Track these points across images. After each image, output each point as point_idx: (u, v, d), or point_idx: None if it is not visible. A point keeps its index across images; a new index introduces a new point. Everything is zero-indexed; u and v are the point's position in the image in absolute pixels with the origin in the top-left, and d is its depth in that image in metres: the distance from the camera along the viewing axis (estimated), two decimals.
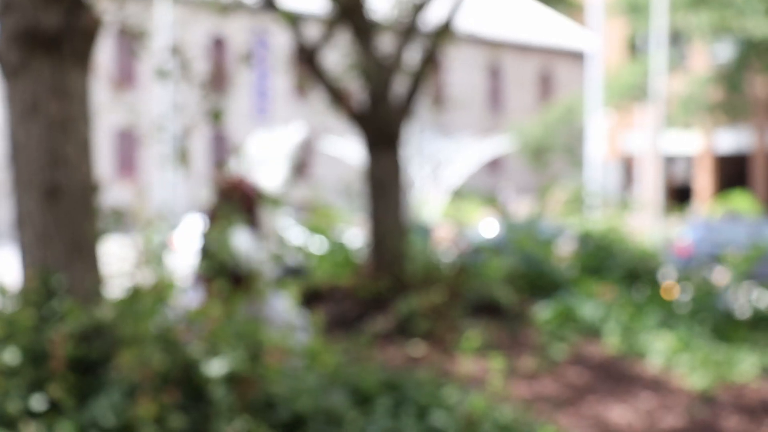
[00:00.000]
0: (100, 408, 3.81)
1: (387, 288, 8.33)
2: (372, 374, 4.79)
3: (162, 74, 4.05)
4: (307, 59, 8.46)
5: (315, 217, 9.95)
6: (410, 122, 8.77)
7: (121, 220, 4.29)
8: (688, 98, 32.99)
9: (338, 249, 9.51)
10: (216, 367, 3.95)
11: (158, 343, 3.93)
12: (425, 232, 11.85)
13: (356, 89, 8.74)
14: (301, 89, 9.31)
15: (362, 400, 4.60)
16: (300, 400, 4.23)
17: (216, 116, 4.19)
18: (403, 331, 7.92)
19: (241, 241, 6.09)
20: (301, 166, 6.46)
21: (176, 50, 4.27)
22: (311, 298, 8.50)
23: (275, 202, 5.90)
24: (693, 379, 7.08)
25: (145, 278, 4.45)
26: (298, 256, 9.84)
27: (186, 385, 4.00)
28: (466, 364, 6.94)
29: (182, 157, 4.04)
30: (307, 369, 4.74)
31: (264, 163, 6.04)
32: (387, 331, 7.89)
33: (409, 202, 20.83)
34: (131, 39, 4.98)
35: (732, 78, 32.63)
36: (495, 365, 6.54)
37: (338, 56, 9.20)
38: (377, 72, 8.48)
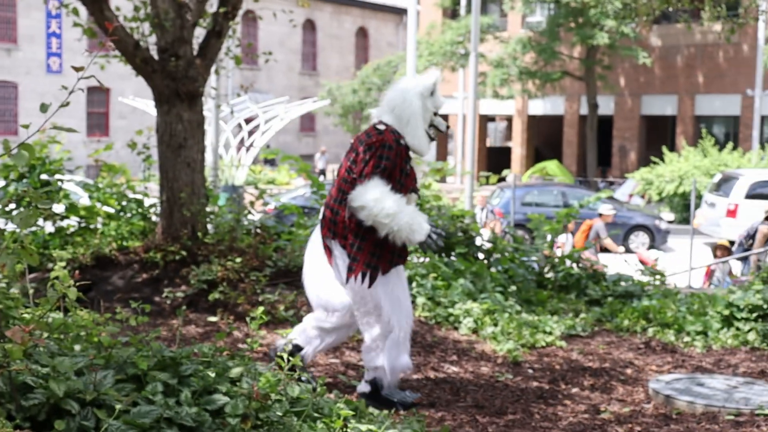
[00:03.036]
0: None
1: (183, 254, 7.76)
2: (150, 352, 4.24)
3: None
4: (92, 3, 7.70)
5: (105, 174, 9.20)
6: (208, 77, 8.13)
7: None
8: (502, 62, 33.49)
9: (130, 208, 8.83)
10: None
11: None
12: (234, 195, 11.25)
13: (148, 38, 8.04)
14: (88, 36, 8.37)
15: (136, 381, 4.05)
16: (56, 385, 3.64)
17: None
18: (198, 301, 7.39)
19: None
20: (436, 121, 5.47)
21: None
22: (99, 264, 7.83)
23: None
24: (500, 345, 6.92)
25: None
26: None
27: None
28: (262, 337, 6.50)
29: None
30: (69, 348, 4.15)
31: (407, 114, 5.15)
32: (179, 301, 7.33)
33: (215, 163, 20.08)
34: None
35: (544, 43, 33.29)
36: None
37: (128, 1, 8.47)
38: (171, 20, 7.83)
